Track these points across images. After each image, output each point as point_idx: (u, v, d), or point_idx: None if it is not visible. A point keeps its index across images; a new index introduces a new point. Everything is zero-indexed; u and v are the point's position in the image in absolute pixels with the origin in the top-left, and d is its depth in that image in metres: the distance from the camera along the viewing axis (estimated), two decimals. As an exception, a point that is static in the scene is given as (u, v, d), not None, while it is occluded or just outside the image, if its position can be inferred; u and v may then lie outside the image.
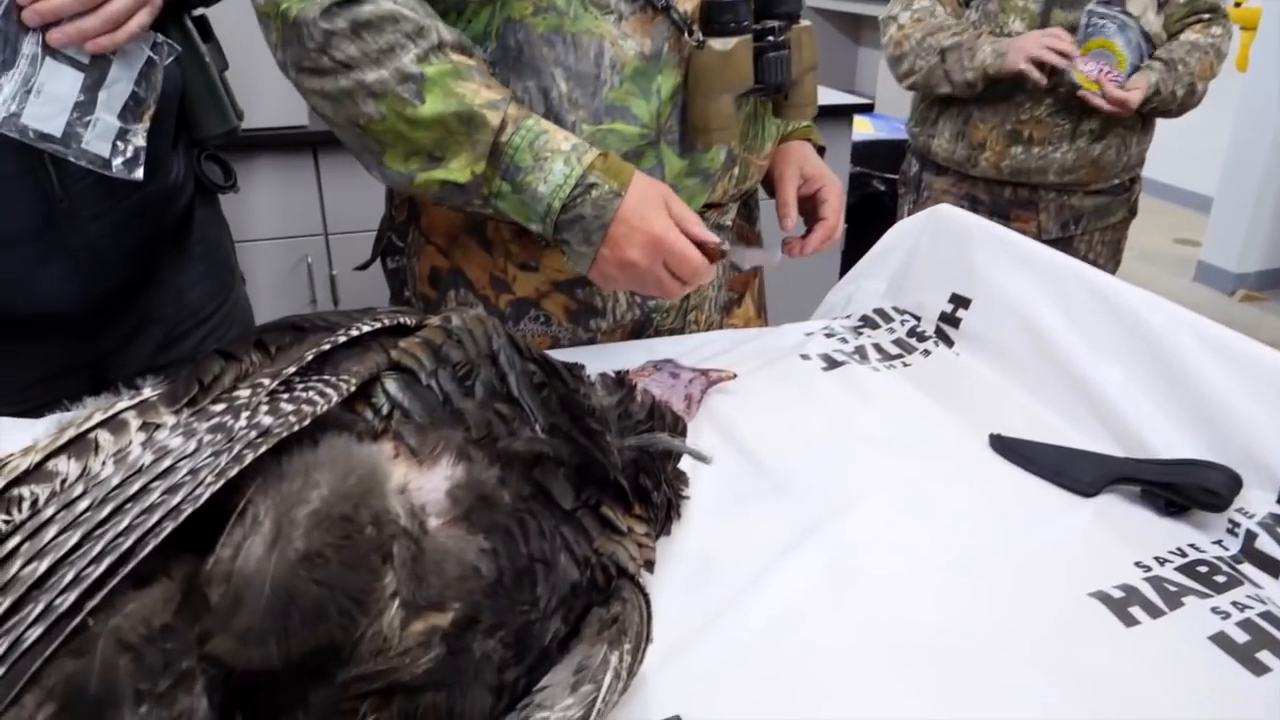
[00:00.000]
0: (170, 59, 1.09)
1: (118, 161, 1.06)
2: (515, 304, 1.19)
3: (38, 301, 1.13)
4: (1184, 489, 0.90)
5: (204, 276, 1.37)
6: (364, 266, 1.32)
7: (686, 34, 1.02)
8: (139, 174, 1.08)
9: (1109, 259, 2.32)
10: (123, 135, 1.07)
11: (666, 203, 0.99)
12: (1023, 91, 2.10)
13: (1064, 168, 2.15)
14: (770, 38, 1.05)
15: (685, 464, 0.88)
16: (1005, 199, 2.24)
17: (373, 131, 0.96)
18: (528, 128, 0.96)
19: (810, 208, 1.26)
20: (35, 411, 1.09)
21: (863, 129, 3.49)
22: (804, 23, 1.10)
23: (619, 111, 1.04)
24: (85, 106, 1.03)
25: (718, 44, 1.02)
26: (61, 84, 1.01)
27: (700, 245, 0.99)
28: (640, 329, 1.25)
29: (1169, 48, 2.11)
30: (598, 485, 0.70)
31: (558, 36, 1.01)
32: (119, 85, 1.06)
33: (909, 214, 1.83)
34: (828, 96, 2.96)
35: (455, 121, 0.94)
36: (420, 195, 1.03)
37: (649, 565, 0.73)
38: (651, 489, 0.76)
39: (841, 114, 2.98)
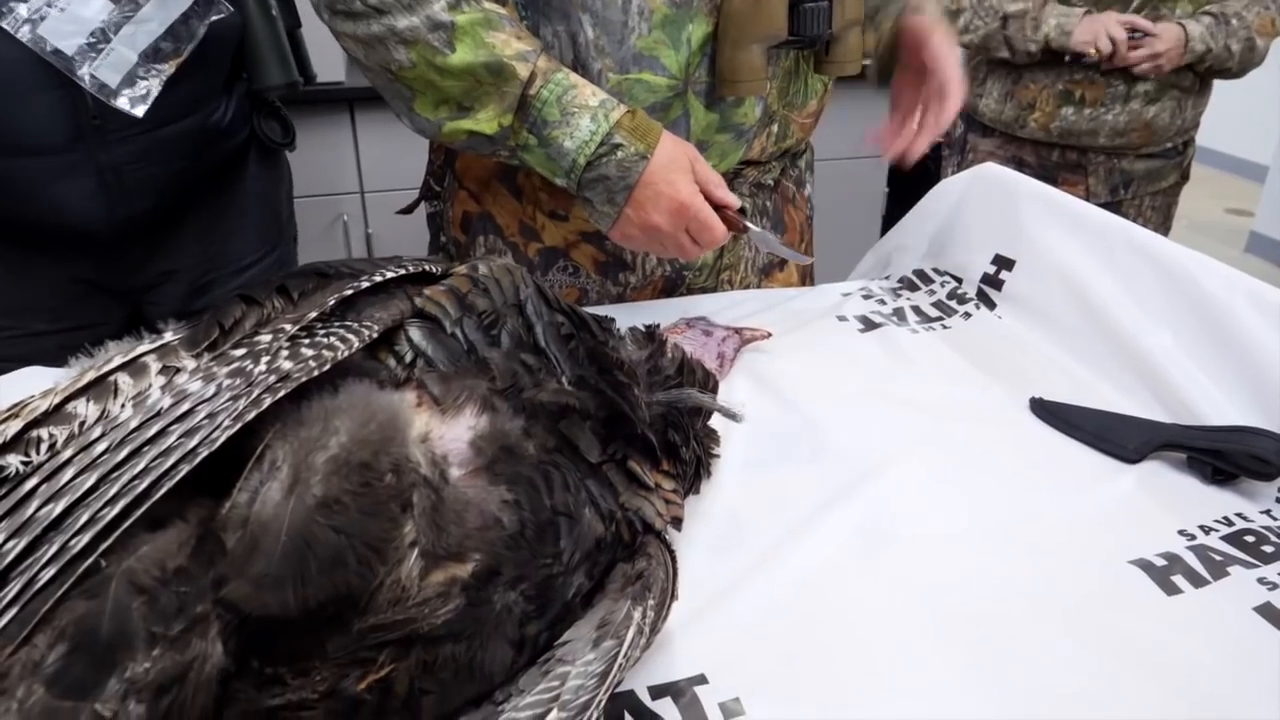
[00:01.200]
0: (215, 18, 1.11)
1: (124, 94, 1.08)
2: (544, 253, 1.18)
3: (60, 213, 1.16)
4: (1232, 456, 0.87)
5: (248, 227, 1.39)
6: (407, 210, 1.31)
7: None
8: (140, 111, 1.10)
9: (1159, 225, 2.25)
10: (139, 73, 1.08)
11: (692, 165, 0.96)
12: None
13: (1115, 130, 2.09)
14: None
15: (716, 423, 0.86)
16: (1053, 162, 2.19)
17: (403, 78, 0.95)
18: (556, 81, 0.94)
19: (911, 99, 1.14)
20: (67, 338, 1.15)
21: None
22: None
23: (647, 61, 1.02)
24: (104, 35, 1.05)
25: None
26: (88, 9, 1.04)
27: (722, 209, 0.96)
28: (671, 287, 1.23)
29: (1222, 3, 2.03)
30: (625, 439, 0.68)
31: None
32: (148, 25, 1.07)
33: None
34: (872, 56, 2.90)
35: (484, 72, 0.93)
36: (448, 143, 1.02)
37: (676, 522, 0.72)
38: (680, 445, 0.75)
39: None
